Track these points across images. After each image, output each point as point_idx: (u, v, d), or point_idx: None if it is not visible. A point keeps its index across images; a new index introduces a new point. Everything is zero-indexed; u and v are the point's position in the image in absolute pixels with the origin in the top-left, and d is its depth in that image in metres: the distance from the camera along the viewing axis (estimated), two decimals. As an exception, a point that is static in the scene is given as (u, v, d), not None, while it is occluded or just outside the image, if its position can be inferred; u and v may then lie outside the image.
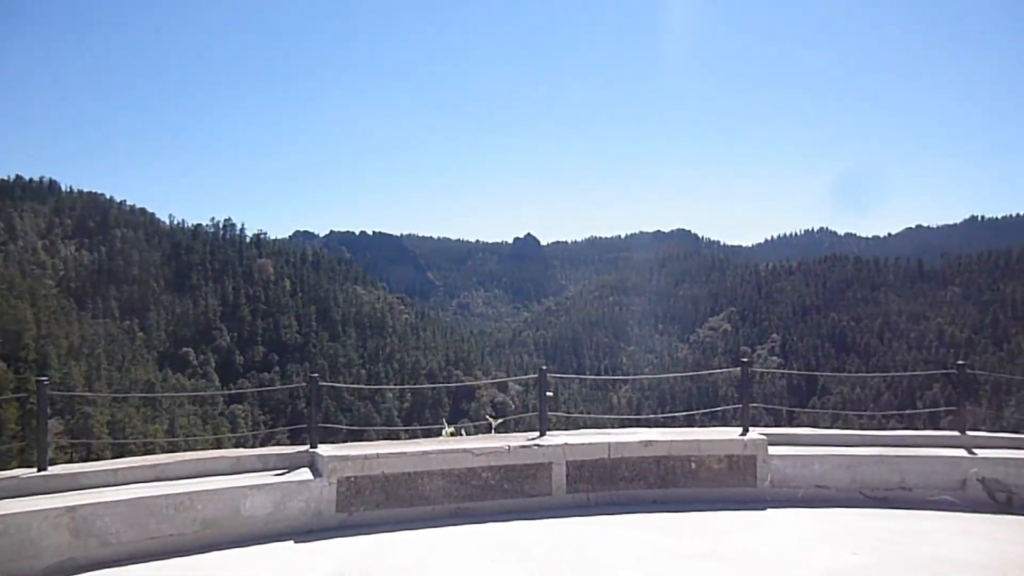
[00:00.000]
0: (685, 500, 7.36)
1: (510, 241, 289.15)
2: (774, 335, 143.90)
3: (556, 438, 7.50)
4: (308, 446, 7.04)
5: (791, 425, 9.25)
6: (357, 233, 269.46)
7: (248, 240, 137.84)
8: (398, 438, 8.61)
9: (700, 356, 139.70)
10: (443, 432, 8.62)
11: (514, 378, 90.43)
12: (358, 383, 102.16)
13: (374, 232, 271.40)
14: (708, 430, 8.24)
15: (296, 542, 6.18)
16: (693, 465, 7.52)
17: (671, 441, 7.53)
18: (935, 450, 7.63)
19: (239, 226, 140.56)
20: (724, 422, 8.16)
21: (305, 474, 6.70)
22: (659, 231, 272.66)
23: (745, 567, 5.69)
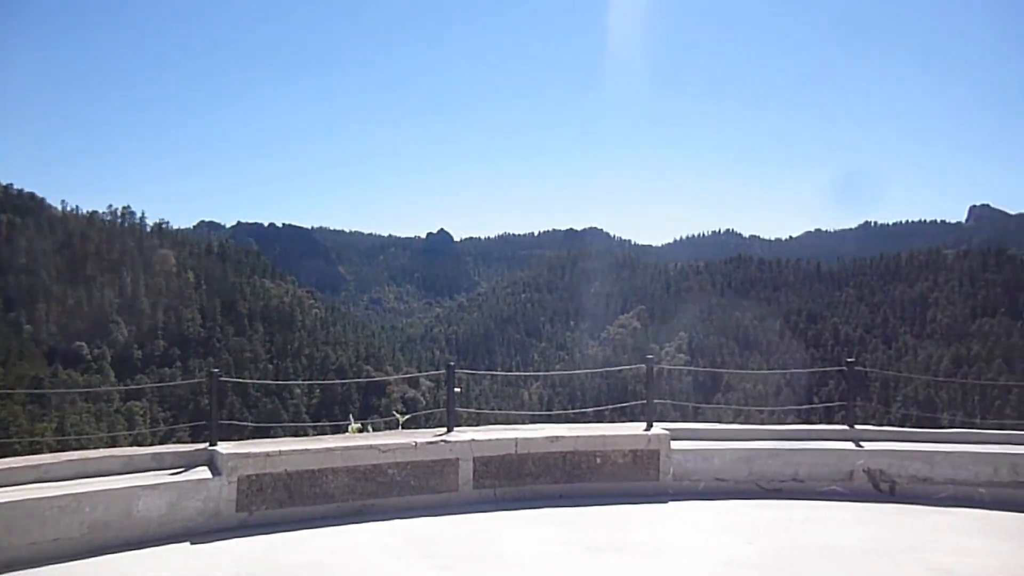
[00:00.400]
0: (590, 494, 7.48)
1: (423, 236, 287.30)
2: (682, 333, 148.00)
3: (463, 434, 7.49)
4: (207, 444, 6.80)
5: (696, 420, 9.53)
6: (266, 225, 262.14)
7: (148, 229, 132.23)
8: (306, 435, 8.42)
9: (610, 353, 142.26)
10: (349, 428, 8.49)
11: (424, 374, 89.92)
12: (265, 379, 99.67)
13: (284, 224, 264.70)
14: (614, 426, 8.40)
15: (193, 543, 5.96)
16: (598, 460, 7.64)
17: (577, 437, 7.63)
18: (826, 443, 7.99)
19: (139, 214, 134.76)
20: (632, 417, 8.34)
21: (203, 472, 6.47)
22: (572, 229, 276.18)
23: (645, 558, 5.82)
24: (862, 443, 7.92)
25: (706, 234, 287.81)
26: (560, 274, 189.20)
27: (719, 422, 9.08)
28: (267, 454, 6.54)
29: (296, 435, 8.20)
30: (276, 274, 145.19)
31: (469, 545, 6.10)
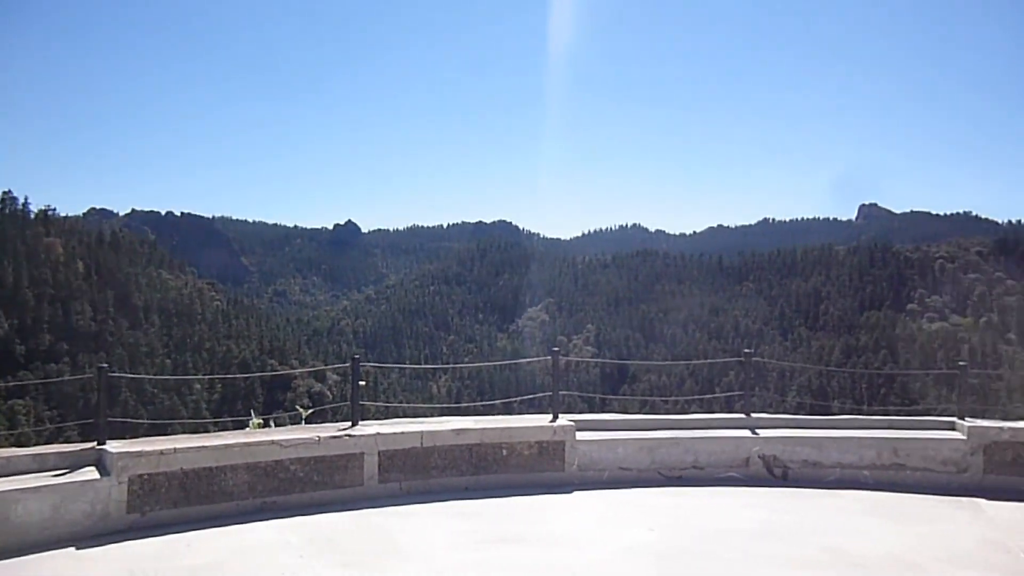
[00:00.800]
0: (497, 486, 7.50)
1: (330, 227, 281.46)
2: (589, 325, 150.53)
3: (368, 428, 7.38)
4: (96, 443, 6.45)
5: (603, 411, 9.68)
6: (163, 213, 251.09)
7: (33, 216, 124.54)
8: (206, 431, 8.11)
9: (519, 345, 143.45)
10: (250, 424, 8.24)
11: (330, 367, 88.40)
12: (162, 374, 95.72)
13: (183, 213, 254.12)
14: (520, 418, 8.44)
15: (78, 548, 5.64)
16: (505, 452, 7.67)
17: (483, 429, 7.64)
18: (724, 431, 8.26)
19: (21, 200, 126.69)
20: (541, 409, 8.40)
21: (90, 473, 6.13)
22: (481, 222, 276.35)
23: (550, 547, 5.88)
24: (758, 431, 8.23)
25: (613, 228, 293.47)
26: (469, 267, 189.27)
27: (625, 413, 9.26)
28: (161, 452, 6.26)
29: (196, 432, 7.88)
30: (174, 265, 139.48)
31: (373, 540, 6.01)
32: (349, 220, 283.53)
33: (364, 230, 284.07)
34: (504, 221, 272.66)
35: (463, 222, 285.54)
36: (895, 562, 5.55)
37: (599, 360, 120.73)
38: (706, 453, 8.00)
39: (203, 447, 6.47)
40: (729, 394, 9.66)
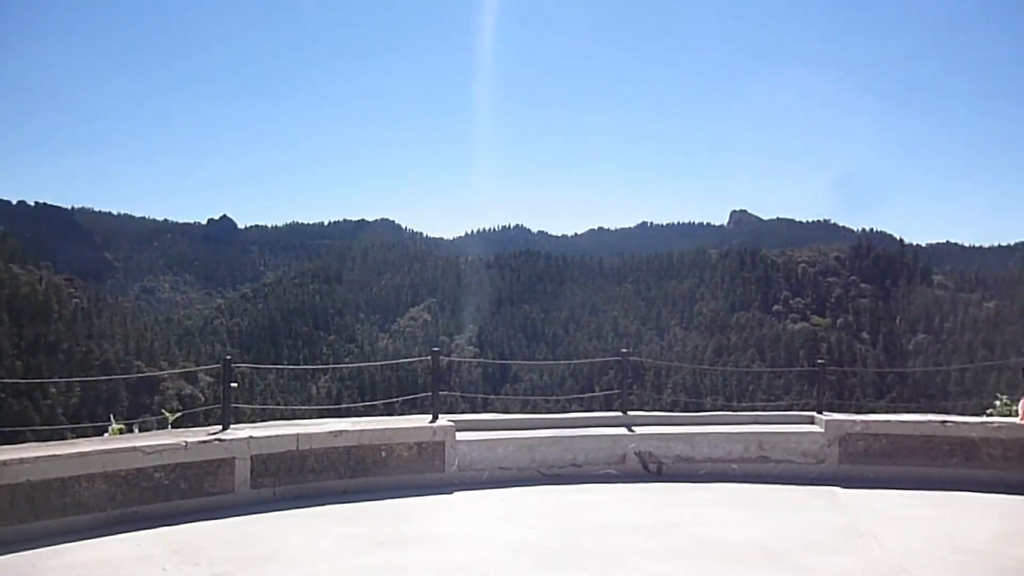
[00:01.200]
0: (376, 489, 7.36)
1: (204, 222, 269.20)
2: (472, 325, 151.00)
3: (240, 431, 7.07)
4: (-73, 453, 5.87)
5: (485, 411, 9.70)
6: (14, 203, 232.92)
7: None
8: (62, 438, 7.53)
9: (401, 345, 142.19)
10: (110, 430, 7.73)
11: (200, 368, 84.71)
12: (12, 377, 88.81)
13: (37, 203, 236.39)
14: (399, 419, 8.34)
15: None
16: (384, 454, 7.54)
17: (361, 431, 7.48)
18: (601, 429, 8.44)
19: None
20: (423, 410, 8.30)
21: (-79, 487, 5.57)
22: (363, 219, 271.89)
23: (430, 548, 5.82)
24: (634, 428, 8.45)
25: (496, 228, 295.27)
26: (350, 265, 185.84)
27: (507, 412, 9.32)
28: (4, 463, 5.76)
29: (52, 439, 7.31)
30: (27, 259, 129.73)
31: (244, 548, 5.75)
32: (224, 215, 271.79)
33: (240, 226, 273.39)
34: (387, 219, 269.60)
35: (345, 220, 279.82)
36: (757, 549, 5.82)
37: (481, 360, 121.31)
38: (584, 451, 8.14)
39: (54, 456, 6.00)
40: (608, 392, 9.87)
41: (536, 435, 8.18)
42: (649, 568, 5.43)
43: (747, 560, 5.59)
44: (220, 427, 7.13)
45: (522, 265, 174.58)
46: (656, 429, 8.46)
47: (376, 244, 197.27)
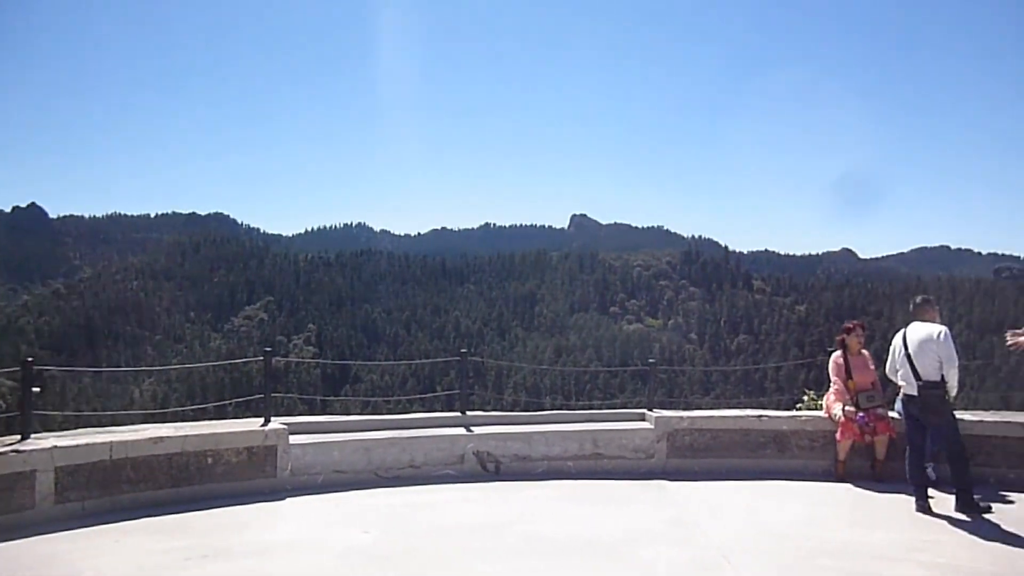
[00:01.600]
0: (201, 498, 6.93)
1: (7, 210, 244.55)
2: (311, 325, 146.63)
3: (43, 441, 6.42)
4: None
5: (324, 413, 9.39)
6: None
7: None
8: None
9: (235, 346, 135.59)
10: None
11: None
12: None
13: None
14: (228, 422, 7.90)
15: None
16: (210, 460, 7.11)
17: (185, 436, 7.01)
18: (440, 430, 8.38)
19: None
20: (258, 413, 7.90)
21: None
22: (195, 213, 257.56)
23: (261, 558, 5.53)
24: (472, 428, 8.45)
25: (338, 226, 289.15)
26: (180, 261, 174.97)
27: (347, 414, 9.06)
28: None
29: None
30: None
31: (43, 571, 5.21)
32: (33, 203, 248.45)
33: (52, 215, 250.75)
34: (220, 214, 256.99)
35: (174, 212, 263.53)
36: (589, 543, 5.97)
37: (320, 360, 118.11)
38: (423, 452, 8.06)
39: None
40: (450, 392, 9.86)
41: (374, 437, 8.01)
42: (483, 568, 5.43)
43: (578, 554, 5.72)
44: (19, 437, 6.45)
45: (363, 264, 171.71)
46: (494, 429, 8.51)
47: (209, 239, 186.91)
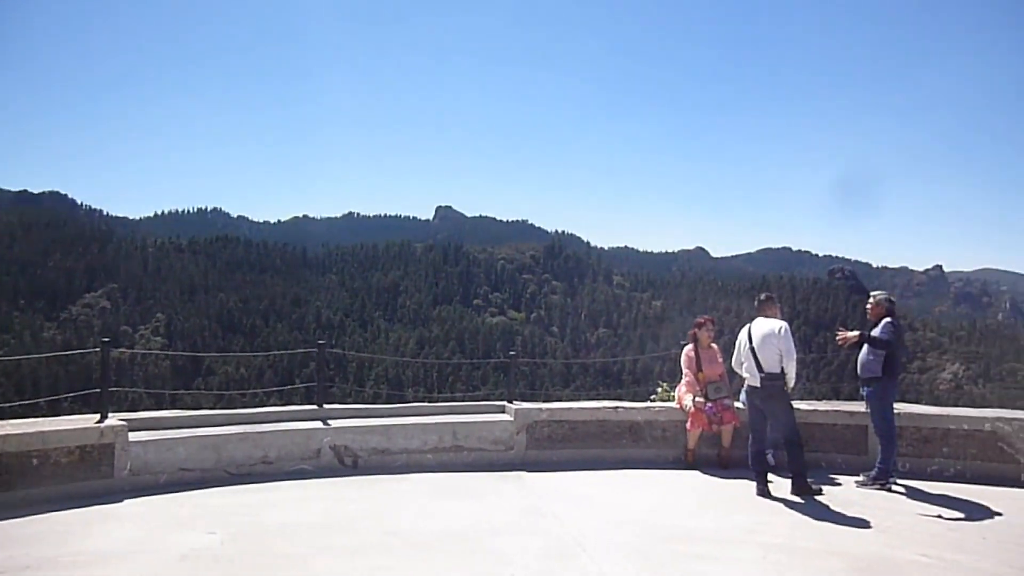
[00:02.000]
0: (25, 504, 6.32)
1: None
2: (159, 314, 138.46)
3: None
4: None
5: (174, 407, 8.83)
6: None
7: None
8: None
9: (73, 336, 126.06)
10: None
11: None
12: None
13: None
14: (58, 419, 7.26)
15: None
16: (36, 461, 6.50)
17: (6, 435, 6.38)
18: (295, 424, 8.09)
19: None
20: (96, 408, 7.29)
21: None
22: (26, 191, 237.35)
23: (91, 568, 5.08)
24: (330, 421, 8.22)
25: (191, 211, 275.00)
26: (8, 244, 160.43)
27: (198, 408, 8.57)
28: None
29: None
30: None
31: None
32: None
33: None
34: (57, 192, 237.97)
35: (2, 190, 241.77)
36: (446, 536, 5.91)
37: (170, 352, 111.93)
38: (276, 447, 7.74)
39: None
40: (308, 385, 9.55)
41: (223, 432, 7.61)
42: (337, 566, 5.25)
43: (436, 548, 5.65)
44: None
45: (219, 251, 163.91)
46: (353, 422, 8.30)
47: (43, 220, 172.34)
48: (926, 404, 9.90)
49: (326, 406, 8.62)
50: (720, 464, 8.59)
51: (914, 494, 7.63)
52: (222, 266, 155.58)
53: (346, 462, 8.01)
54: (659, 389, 11.51)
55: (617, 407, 8.89)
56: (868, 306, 8.28)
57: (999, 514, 6.93)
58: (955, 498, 7.43)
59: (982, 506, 7.16)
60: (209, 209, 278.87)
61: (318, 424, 8.11)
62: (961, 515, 6.91)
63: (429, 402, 9.55)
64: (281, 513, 6.45)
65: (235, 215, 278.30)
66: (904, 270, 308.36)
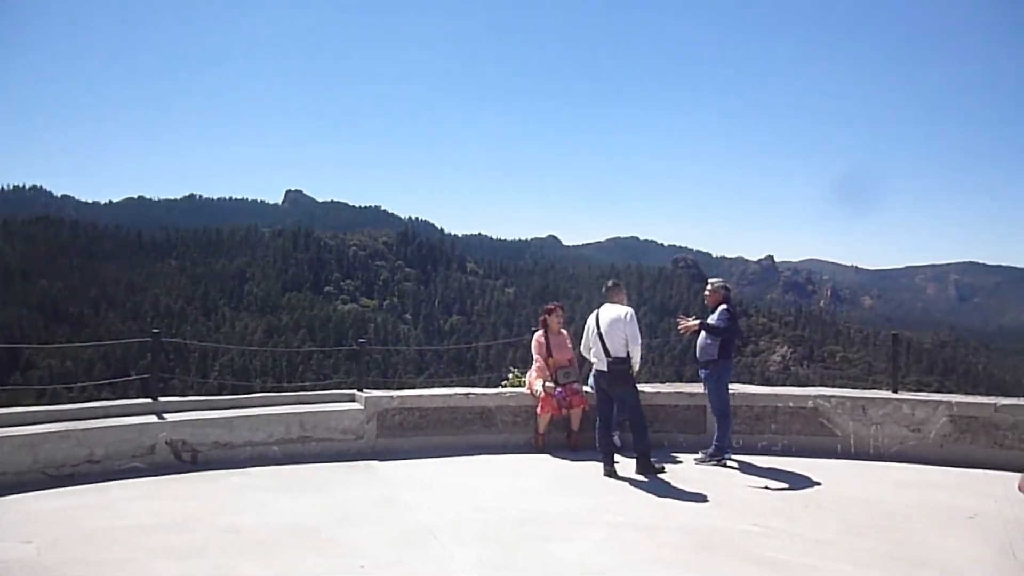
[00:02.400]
0: None
1: None
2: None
3: None
4: None
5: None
6: None
7: None
8: None
9: None
10: None
11: None
12: None
13: None
14: None
15: None
16: None
17: None
18: (127, 419, 7.54)
19: None
20: None
21: None
22: None
23: None
24: (166, 415, 7.71)
25: (7, 188, 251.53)
26: None
27: (16, 406, 7.78)
28: None
29: None
30: None
31: None
32: None
33: None
34: None
35: None
36: (292, 530, 5.71)
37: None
38: (104, 444, 7.17)
39: None
40: (143, 377, 8.95)
41: (41, 431, 6.96)
42: (173, 569, 4.93)
43: (281, 543, 5.44)
44: None
45: (40, 233, 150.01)
46: (191, 415, 7.83)
47: None
48: (758, 385, 10.62)
49: (162, 399, 8.09)
50: (569, 447, 8.80)
51: (747, 468, 8.14)
52: (43, 250, 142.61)
53: (184, 458, 7.56)
54: (510, 375, 11.64)
55: (468, 393, 8.91)
56: (706, 293, 8.73)
57: (819, 483, 7.54)
58: (782, 470, 8.01)
59: (805, 477, 7.76)
60: (27, 187, 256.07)
61: (152, 418, 7.59)
62: (787, 485, 7.46)
63: (278, 392, 9.18)
64: (111, 516, 5.97)
65: (58, 194, 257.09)
66: (740, 260, 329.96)
